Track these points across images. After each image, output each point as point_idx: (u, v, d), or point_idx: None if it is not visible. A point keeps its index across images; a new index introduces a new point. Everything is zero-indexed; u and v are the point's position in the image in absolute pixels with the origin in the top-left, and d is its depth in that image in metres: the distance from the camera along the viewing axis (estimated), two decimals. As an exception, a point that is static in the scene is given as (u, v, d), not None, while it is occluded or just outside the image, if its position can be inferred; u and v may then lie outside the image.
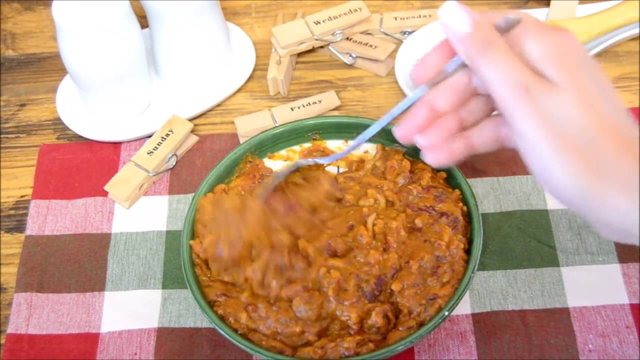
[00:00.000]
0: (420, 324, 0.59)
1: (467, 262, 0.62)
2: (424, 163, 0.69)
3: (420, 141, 0.53)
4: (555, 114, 0.47)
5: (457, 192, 0.66)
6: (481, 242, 0.62)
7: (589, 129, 0.47)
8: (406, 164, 0.68)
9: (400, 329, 0.59)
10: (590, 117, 0.47)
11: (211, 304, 0.61)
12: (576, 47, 0.50)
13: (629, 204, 0.46)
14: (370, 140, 0.73)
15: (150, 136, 0.78)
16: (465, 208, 0.65)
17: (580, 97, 0.48)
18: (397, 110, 0.56)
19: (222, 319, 0.61)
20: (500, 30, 0.50)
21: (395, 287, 0.61)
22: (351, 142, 0.63)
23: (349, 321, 0.60)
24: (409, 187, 0.67)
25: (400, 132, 0.54)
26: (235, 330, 0.60)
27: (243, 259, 0.63)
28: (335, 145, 0.73)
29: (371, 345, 0.59)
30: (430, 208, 0.65)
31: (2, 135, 0.81)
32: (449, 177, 0.68)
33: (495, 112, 0.54)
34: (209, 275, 0.64)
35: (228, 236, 0.63)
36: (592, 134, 0.47)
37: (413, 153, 0.70)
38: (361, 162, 0.71)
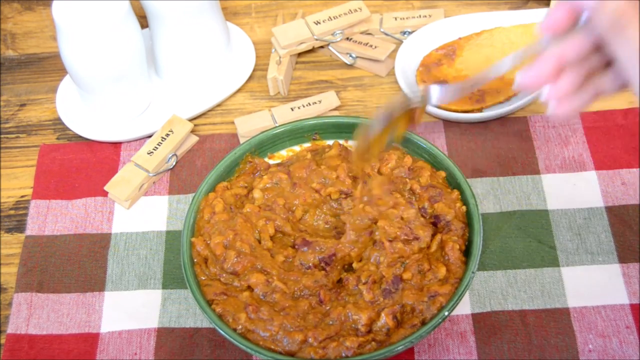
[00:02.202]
0: (423, 322, 0.59)
1: (466, 262, 0.62)
2: (424, 161, 0.69)
3: (552, 92, 0.53)
4: None
5: (456, 192, 0.66)
6: (481, 242, 0.62)
7: None
8: (408, 160, 0.68)
9: (406, 326, 0.59)
10: None
11: (210, 303, 0.61)
12: None
13: None
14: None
15: (150, 136, 0.78)
16: (463, 208, 0.65)
17: None
18: (520, 55, 0.55)
19: (221, 317, 0.61)
20: None
21: (405, 275, 0.61)
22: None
23: (359, 321, 0.59)
24: (407, 181, 0.67)
25: (526, 80, 0.53)
26: (234, 330, 0.60)
27: (245, 269, 0.63)
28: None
29: (374, 344, 0.59)
30: (422, 210, 0.66)
31: (2, 135, 0.81)
32: (448, 177, 0.68)
33: None
34: (207, 273, 0.64)
35: (236, 245, 0.63)
36: None
37: (412, 151, 0.71)
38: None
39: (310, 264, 0.64)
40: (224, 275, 0.63)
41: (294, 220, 0.67)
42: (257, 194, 0.68)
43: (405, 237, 0.63)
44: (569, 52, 0.52)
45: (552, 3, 0.83)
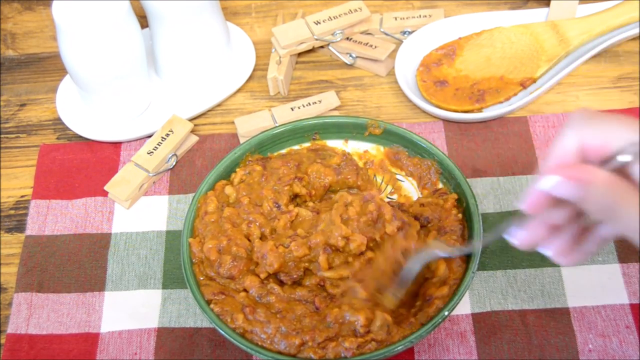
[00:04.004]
0: (421, 323, 0.59)
1: (466, 262, 0.62)
2: (429, 164, 0.69)
3: (552, 250, 0.51)
4: None
5: (452, 201, 0.66)
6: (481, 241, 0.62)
7: None
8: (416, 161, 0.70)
9: (405, 325, 0.60)
10: None
11: (208, 302, 0.61)
12: None
13: None
14: (371, 140, 0.73)
15: (150, 136, 0.78)
16: (460, 215, 0.65)
17: None
18: (502, 229, 0.53)
19: (219, 317, 0.60)
20: (610, 163, 0.46)
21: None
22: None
23: (357, 323, 0.59)
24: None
25: (520, 242, 0.51)
26: (234, 330, 0.60)
27: (242, 272, 0.63)
28: (334, 144, 0.73)
29: (374, 344, 0.58)
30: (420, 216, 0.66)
31: (2, 135, 0.81)
32: (449, 177, 0.68)
33: None
34: (205, 273, 0.64)
35: (231, 250, 0.63)
36: None
37: (412, 151, 0.71)
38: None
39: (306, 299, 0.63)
40: (220, 279, 0.63)
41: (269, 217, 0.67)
42: (228, 190, 0.68)
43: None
44: (556, 218, 0.50)
45: (552, 3, 0.83)
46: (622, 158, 0.46)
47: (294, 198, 0.69)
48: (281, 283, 0.63)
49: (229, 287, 0.63)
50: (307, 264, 0.63)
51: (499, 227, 0.52)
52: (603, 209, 0.46)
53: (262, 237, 0.65)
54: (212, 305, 0.61)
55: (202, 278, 0.63)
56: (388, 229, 0.62)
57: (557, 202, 0.48)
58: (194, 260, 0.64)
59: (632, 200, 0.45)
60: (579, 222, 0.50)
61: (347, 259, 0.63)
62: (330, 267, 0.62)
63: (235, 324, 0.60)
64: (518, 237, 0.50)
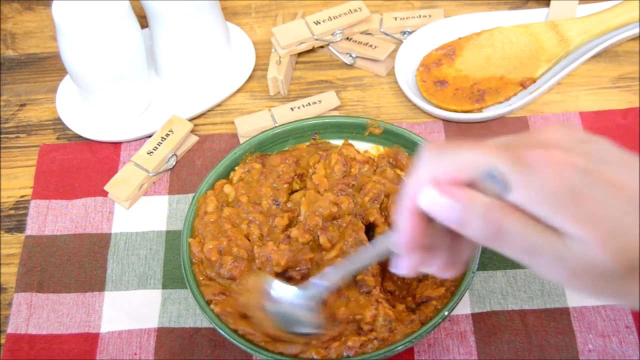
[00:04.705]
0: (421, 322, 0.59)
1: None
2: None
3: (430, 271, 0.49)
4: (579, 267, 0.41)
5: None
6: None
7: (618, 271, 0.41)
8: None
9: (406, 323, 0.59)
10: (615, 260, 0.41)
11: (208, 303, 0.61)
12: (569, 172, 0.41)
13: None
14: (371, 140, 0.73)
15: (150, 136, 0.78)
16: None
17: (599, 242, 0.40)
18: (377, 252, 0.52)
19: (219, 317, 0.60)
20: (484, 187, 0.43)
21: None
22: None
23: (362, 320, 0.59)
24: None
25: (404, 271, 0.49)
26: (235, 331, 0.60)
27: (242, 273, 0.63)
28: (334, 144, 0.73)
29: (375, 343, 0.58)
30: None
31: (2, 135, 0.81)
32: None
33: None
34: (205, 274, 0.64)
35: (232, 251, 0.63)
36: (617, 275, 0.41)
37: (412, 151, 0.71)
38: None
39: None
40: (221, 280, 0.63)
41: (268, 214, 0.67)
42: (227, 189, 0.68)
43: None
44: (430, 241, 0.47)
45: (552, 3, 0.83)
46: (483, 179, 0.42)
47: (292, 193, 0.69)
48: (289, 280, 0.63)
49: (230, 288, 0.63)
50: (311, 255, 0.63)
51: (376, 249, 0.52)
52: (487, 232, 0.42)
53: (261, 237, 0.65)
54: (212, 306, 0.61)
55: (201, 278, 0.63)
56: (355, 168, 0.68)
57: (425, 232, 0.45)
58: (193, 261, 0.64)
59: (511, 214, 0.41)
60: (447, 238, 0.47)
61: (340, 227, 0.64)
62: (332, 246, 0.63)
63: (238, 326, 0.60)
64: (400, 266, 0.48)
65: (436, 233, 0.46)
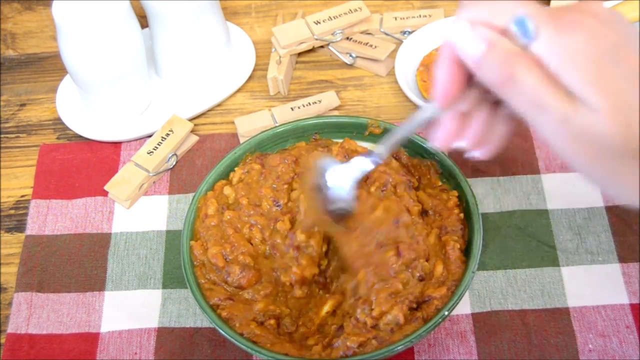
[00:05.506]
0: (424, 321, 0.59)
1: (466, 262, 0.62)
2: (428, 164, 0.69)
3: (464, 145, 0.51)
4: (581, 134, 0.43)
5: (454, 200, 0.66)
6: (481, 241, 0.62)
7: (618, 146, 0.43)
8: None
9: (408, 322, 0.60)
10: (619, 134, 0.42)
11: (214, 307, 0.61)
12: (600, 41, 0.43)
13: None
14: (371, 140, 0.73)
15: (150, 136, 0.78)
16: (461, 215, 0.65)
17: (608, 112, 0.42)
18: (418, 120, 0.53)
19: (227, 321, 0.60)
20: (514, 36, 0.45)
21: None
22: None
23: (367, 317, 0.59)
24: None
25: (439, 143, 0.51)
26: (241, 334, 0.60)
27: (250, 283, 0.63)
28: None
29: (375, 343, 0.58)
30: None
31: (2, 135, 0.81)
32: (449, 177, 0.68)
33: None
34: (209, 277, 0.63)
35: (238, 259, 0.63)
36: (620, 152, 0.43)
37: (413, 152, 0.71)
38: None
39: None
40: (227, 286, 0.63)
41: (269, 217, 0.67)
42: (227, 191, 0.68)
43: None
44: (464, 106, 0.50)
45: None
46: (512, 28, 0.44)
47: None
48: (322, 283, 0.64)
49: (238, 294, 0.63)
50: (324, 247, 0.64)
51: (407, 126, 0.54)
52: (500, 77, 0.44)
53: (263, 241, 0.65)
54: (219, 311, 0.61)
55: (204, 281, 0.63)
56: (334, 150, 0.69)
57: (463, 87, 0.48)
58: (195, 263, 0.64)
59: (528, 66, 0.44)
60: (485, 107, 0.50)
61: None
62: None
63: (246, 330, 0.60)
64: (436, 137, 0.51)
65: (472, 98, 0.48)
